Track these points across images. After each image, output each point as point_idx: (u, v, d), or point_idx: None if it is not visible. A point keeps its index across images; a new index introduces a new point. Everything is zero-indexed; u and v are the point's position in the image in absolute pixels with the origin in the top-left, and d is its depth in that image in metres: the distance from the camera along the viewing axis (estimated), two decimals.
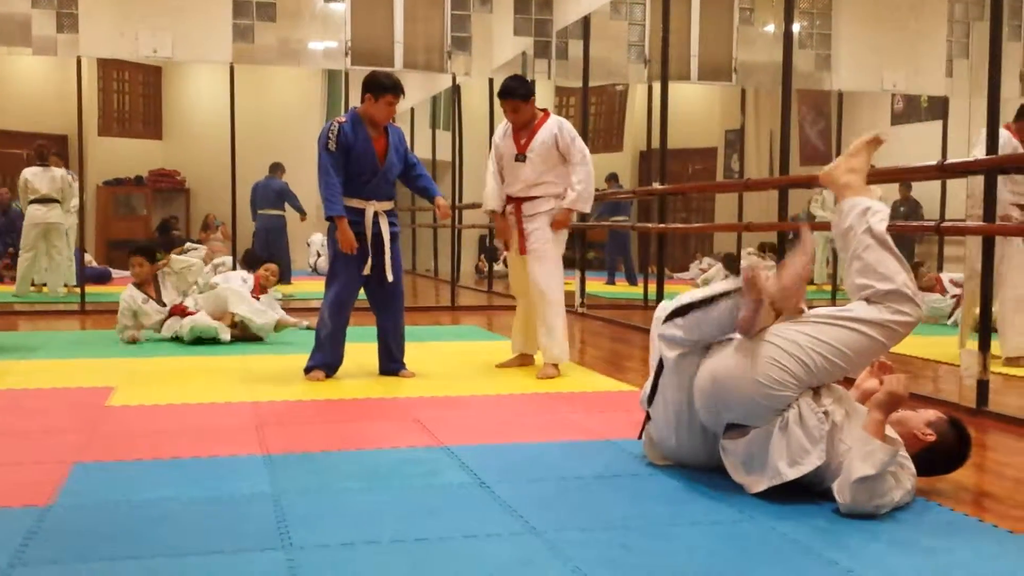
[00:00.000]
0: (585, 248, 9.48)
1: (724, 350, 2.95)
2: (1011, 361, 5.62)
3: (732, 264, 10.93)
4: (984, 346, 4.34)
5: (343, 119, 5.00)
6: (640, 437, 3.35)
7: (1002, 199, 5.03)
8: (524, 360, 5.57)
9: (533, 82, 5.21)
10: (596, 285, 11.37)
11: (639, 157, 13.46)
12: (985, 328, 4.42)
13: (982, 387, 4.31)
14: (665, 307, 3.18)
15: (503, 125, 5.42)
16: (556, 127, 5.25)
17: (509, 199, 5.37)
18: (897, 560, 2.38)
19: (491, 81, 10.01)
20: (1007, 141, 5.48)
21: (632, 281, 12.28)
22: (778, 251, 6.08)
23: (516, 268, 5.55)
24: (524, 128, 5.31)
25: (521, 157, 5.28)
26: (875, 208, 3.00)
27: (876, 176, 7.94)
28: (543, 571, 2.29)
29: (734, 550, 2.47)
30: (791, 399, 2.80)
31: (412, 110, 13.67)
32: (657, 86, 8.07)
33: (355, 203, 5.00)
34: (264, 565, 2.30)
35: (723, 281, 3.09)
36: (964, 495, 2.97)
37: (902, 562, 2.37)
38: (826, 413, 2.80)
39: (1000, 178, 4.70)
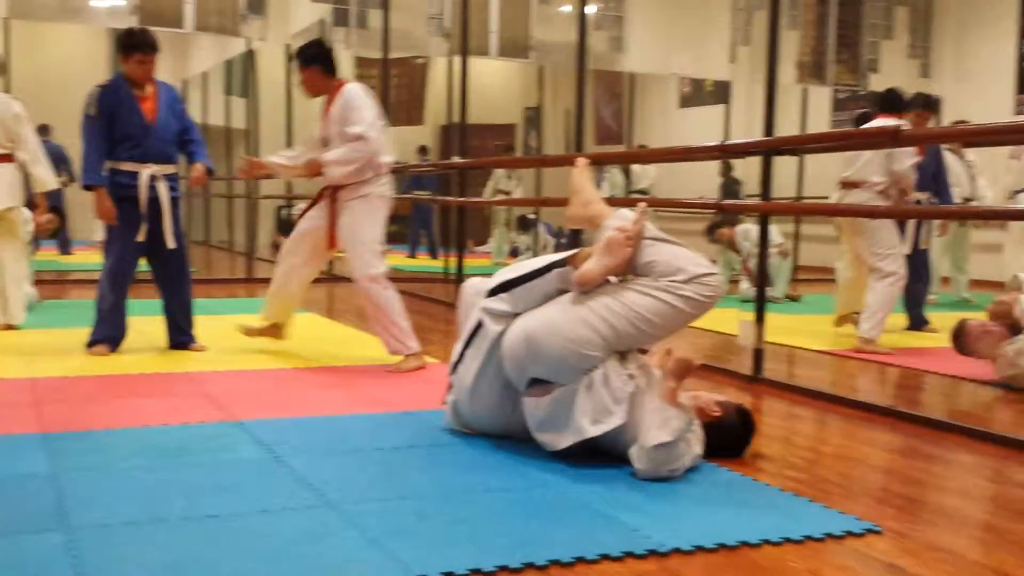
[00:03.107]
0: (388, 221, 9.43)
1: (540, 308, 3.05)
2: None
3: (526, 224, 11.23)
4: (760, 318, 4.61)
5: (105, 83, 4.87)
6: (444, 404, 3.40)
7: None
8: (275, 331, 5.02)
9: (329, 49, 4.91)
10: (398, 258, 11.34)
11: (440, 131, 13.50)
12: (760, 300, 4.69)
13: (758, 356, 4.59)
14: (480, 281, 3.26)
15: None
16: (343, 100, 4.62)
17: (327, 187, 4.71)
18: (681, 518, 2.51)
19: (288, 47, 9.76)
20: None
21: (433, 254, 12.33)
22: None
23: (307, 234, 4.85)
24: (329, 103, 4.70)
25: (324, 142, 4.71)
26: (624, 215, 3.15)
27: (664, 155, 8.32)
28: (338, 542, 2.28)
29: (527, 514, 2.53)
30: (598, 360, 2.91)
31: (204, 75, 13.17)
32: (457, 61, 8.10)
33: (128, 166, 4.80)
34: (40, 547, 2.19)
35: (549, 254, 3.22)
36: (743, 457, 3.16)
37: (685, 521, 2.50)
38: (631, 376, 2.94)
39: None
